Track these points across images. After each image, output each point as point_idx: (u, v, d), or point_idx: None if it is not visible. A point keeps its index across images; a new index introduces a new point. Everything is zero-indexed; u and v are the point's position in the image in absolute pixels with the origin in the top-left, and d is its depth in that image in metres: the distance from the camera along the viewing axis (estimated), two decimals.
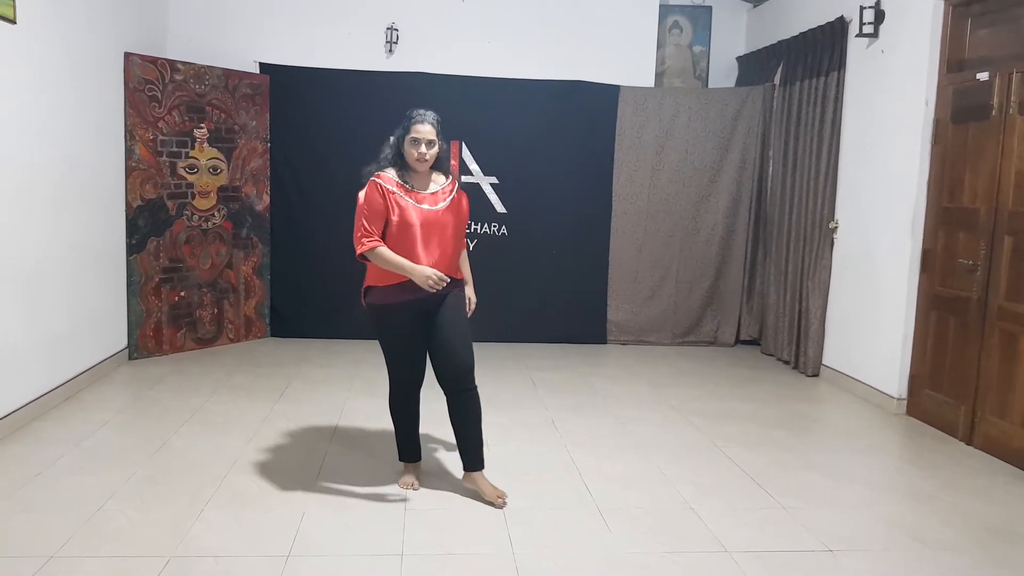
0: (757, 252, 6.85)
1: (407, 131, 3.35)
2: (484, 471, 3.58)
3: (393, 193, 3.32)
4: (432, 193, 3.41)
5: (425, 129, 3.32)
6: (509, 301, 6.65)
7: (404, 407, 3.64)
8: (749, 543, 3.19)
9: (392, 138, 3.44)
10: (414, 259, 3.29)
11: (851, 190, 5.62)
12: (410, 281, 3.27)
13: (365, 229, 3.29)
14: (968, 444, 4.49)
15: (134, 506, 3.32)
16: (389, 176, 3.36)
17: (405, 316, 3.40)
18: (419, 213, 3.33)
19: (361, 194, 3.35)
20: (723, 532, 3.28)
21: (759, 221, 6.81)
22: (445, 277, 3.25)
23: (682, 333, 6.90)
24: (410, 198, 3.34)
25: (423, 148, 3.32)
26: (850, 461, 4.22)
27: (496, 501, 3.45)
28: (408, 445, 3.69)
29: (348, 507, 3.40)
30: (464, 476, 3.61)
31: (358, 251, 3.31)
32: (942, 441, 4.57)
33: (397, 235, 3.31)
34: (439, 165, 3.46)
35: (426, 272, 3.22)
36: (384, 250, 3.28)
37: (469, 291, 3.69)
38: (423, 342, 3.48)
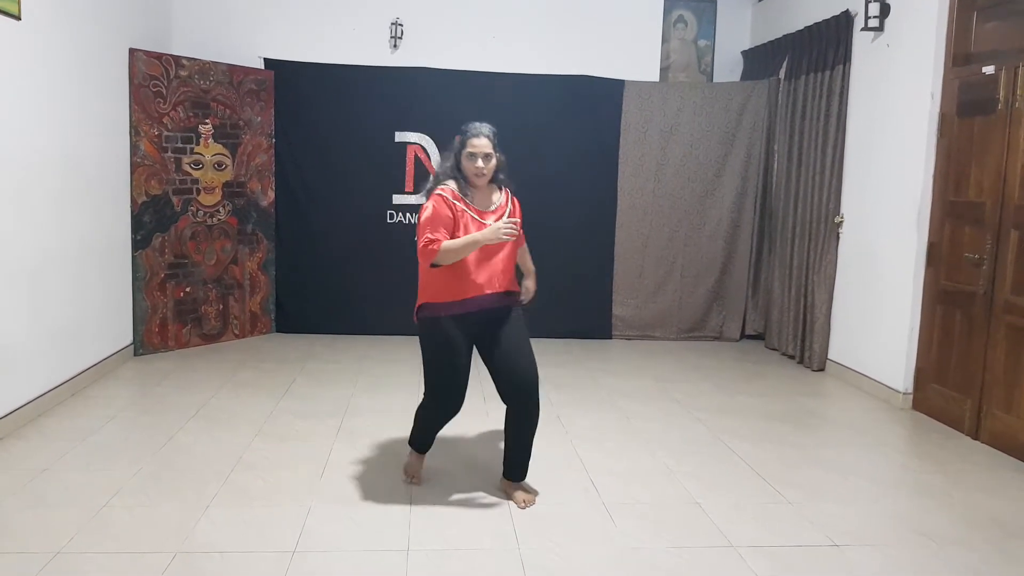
0: (762, 247, 6.83)
1: (464, 145, 3.29)
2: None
3: (459, 207, 3.24)
4: (492, 211, 3.35)
5: (482, 143, 3.26)
6: None
7: (437, 419, 3.56)
8: (754, 538, 3.19)
9: (450, 153, 3.38)
10: (466, 275, 3.25)
11: (856, 184, 5.60)
12: (466, 300, 3.26)
13: (429, 237, 3.14)
14: (974, 439, 4.48)
15: (140, 502, 3.33)
16: (452, 189, 3.28)
17: (460, 328, 3.31)
18: (480, 228, 3.24)
19: (427, 206, 3.24)
20: (728, 527, 3.28)
21: (764, 216, 6.80)
22: (512, 224, 3.13)
23: (687, 328, 6.89)
24: (474, 214, 3.27)
25: (480, 163, 3.26)
26: (856, 456, 4.21)
27: (520, 504, 3.42)
28: (425, 439, 3.65)
29: (353, 503, 3.40)
30: (504, 482, 3.56)
31: (427, 260, 3.17)
32: (948, 436, 4.56)
33: None
34: (495, 177, 3.39)
35: (496, 227, 3.12)
36: (447, 243, 3.14)
37: (530, 282, 3.70)
38: (469, 358, 3.40)
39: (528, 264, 3.71)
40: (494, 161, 3.29)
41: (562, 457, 4.03)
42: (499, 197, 3.42)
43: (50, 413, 4.38)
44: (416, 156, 6.49)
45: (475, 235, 3.16)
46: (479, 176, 3.27)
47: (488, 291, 3.32)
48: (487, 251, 3.28)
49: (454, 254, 3.16)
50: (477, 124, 3.30)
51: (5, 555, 2.86)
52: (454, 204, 3.23)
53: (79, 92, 4.77)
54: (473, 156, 3.25)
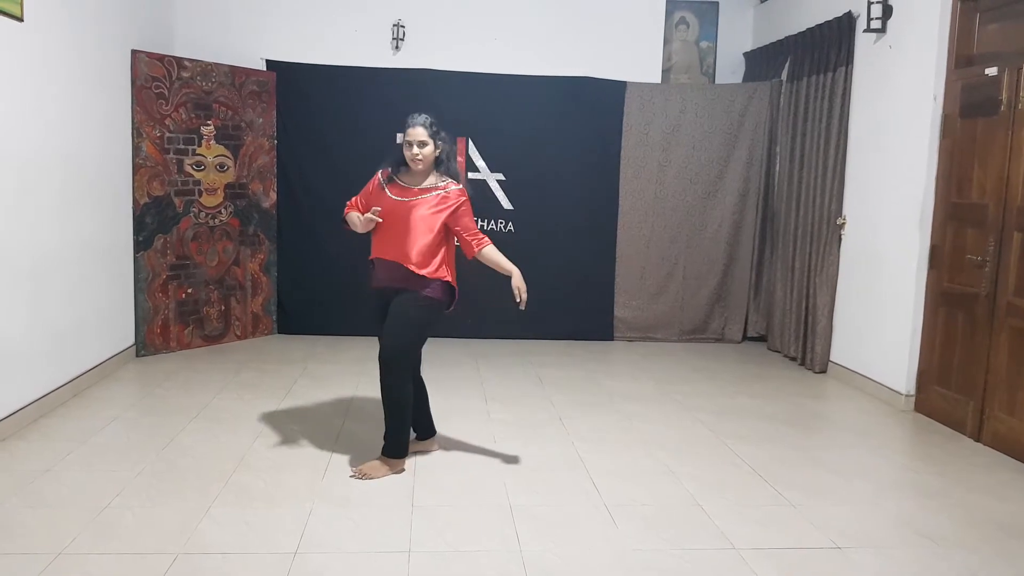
0: (764, 248, 6.83)
1: (404, 134, 3.64)
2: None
3: (376, 185, 3.74)
4: (415, 192, 3.66)
5: (417, 132, 3.61)
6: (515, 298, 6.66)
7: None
8: (757, 540, 3.18)
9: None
10: (375, 244, 3.71)
11: (859, 186, 5.60)
12: (375, 262, 3.74)
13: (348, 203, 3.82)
14: (977, 441, 4.47)
15: (142, 503, 3.33)
16: (387, 170, 3.76)
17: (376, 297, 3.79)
18: (388, 203, 3.64)
19: None
20: (730, 529, 3.27)
21: (766, 217, 6.80)
22: (371, 213, 3.59)
23: (689, 330, 6.89)
24: (391, 190, 3.69)
25: (415, 149, 3.61)
26: (858, 457, 4.21)
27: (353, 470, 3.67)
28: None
29: (355, 504, 3.40)
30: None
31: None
32: (951, 438, 4.56)
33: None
34: (441, 166, 3.71)
35: (366, 216, 3.66)
36: (352, 215, 3.75)
37: (515, 280, 3.77)
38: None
39: (504, 264, 3.76)
40: (429, 148, 3.62)
41: (563, 458, 4.03)
42: (435, 181, 3.69)
43: (52, 414, 4.38)
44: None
45: (356, 214, 3.73)
46: (414, 161, 3.62)
47: (385, 257, 3.66)
48: (392, 225, 3.63)
49: (351, 223, 3.75)
50: (416, 115, 3.64)
51: (7, 556, 2.86)
52: (378, 181, 3.74)
53: (81, 93, 4.78)
54: (409, 144, 3.61)
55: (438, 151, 3.67)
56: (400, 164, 3.71)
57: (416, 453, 3.93)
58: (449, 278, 3.69)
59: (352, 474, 3.63)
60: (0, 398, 4.01)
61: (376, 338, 3.68)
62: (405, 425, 3.71)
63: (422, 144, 3.60)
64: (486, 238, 3.76)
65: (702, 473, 3.88)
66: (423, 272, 3.60)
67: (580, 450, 4.14)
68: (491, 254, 3.73)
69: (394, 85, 6.39)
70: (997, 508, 3.58)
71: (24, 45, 4.15)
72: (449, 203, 3.65)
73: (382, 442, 3.76)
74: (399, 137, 3.85)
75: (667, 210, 6.73)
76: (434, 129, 3.63)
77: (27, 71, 4.19)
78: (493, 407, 4.82)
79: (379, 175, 3.76)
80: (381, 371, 3.61)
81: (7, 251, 4.05)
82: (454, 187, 3.68)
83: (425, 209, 3.61)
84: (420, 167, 3.64)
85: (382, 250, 3.68)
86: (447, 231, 3.68)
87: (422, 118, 3.63)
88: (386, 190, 3.69)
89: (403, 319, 3.60)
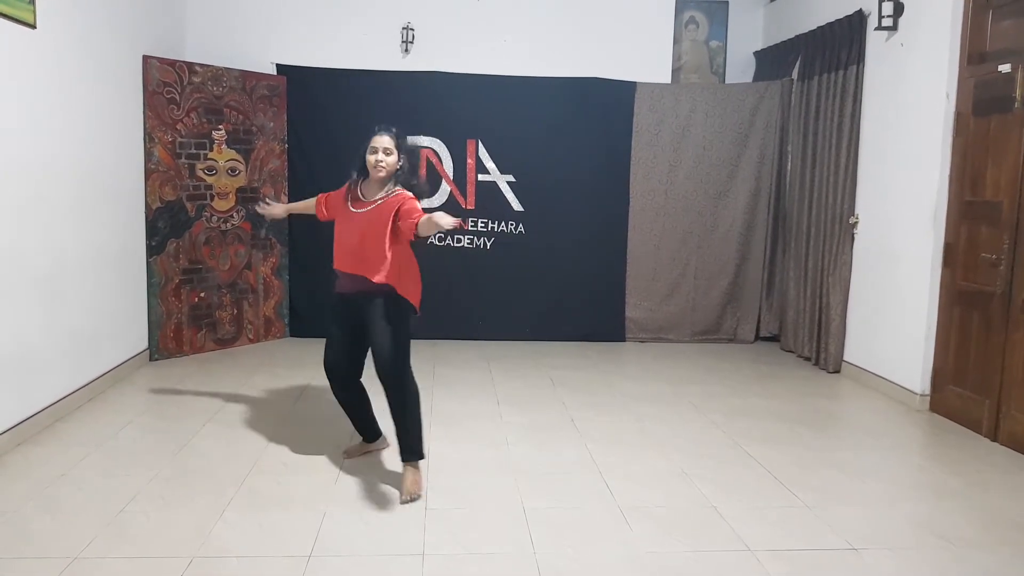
0: (776, 248, 6.80)
1: (369, 142, 3.66)
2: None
3: (343, 195, 3.79)
4: (370, 200, 3.66)
5: (383, 140, 3.63)
6: (527, 299, 6.67)
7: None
8: (772, 542, 3.17)
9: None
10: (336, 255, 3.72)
11: (871, 185, 5.57)
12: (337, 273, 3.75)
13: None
14: (993, 440, 4.44)
15: (156, 507, 3.34)
16: (353, 180, 3.78)
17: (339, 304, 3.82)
18: (346, 214, 3.70)
19: None
20: (745, 531, 3.26)
21: (778, 217, 6.77)
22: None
23: (701, 330, 6.86)
24: (350, 202, 3.72)
25: (380, 155, 3.61)
26: (873, 458, 4.18)
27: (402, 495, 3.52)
28: None
29: (368, 507, 3.40)
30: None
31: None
32: (966, 437, 4.52)
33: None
34: (399, 178, 3.67)
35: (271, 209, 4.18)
36: (306, 202, 4.08)
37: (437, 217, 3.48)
38: (343, 333, 3.83)
39: (434, 219, 3.40)
40: (393, 158, 3.63)
41: (576, 460, 4.02)
42: (384, 194, 3.64)
43: (67, 418, 4.40)
44: (428, 160, 6.50)
45: (299, 204, 4.18)
46: (376, 167, 3.62)
47: (343, 269, 3.67)
48: (345, 236, 3.68)
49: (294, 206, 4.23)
50: (385, 125, 3.69)
51: (23, 560, 2.87)
52: (346, 191, 3.79)
53: (94, 99, 4.80)
54: (374, 149, 3.62)
55: (399, 163, 3.65)
56: (362, 173, 3.72)
57: (365, 454, 4.00)
58: (409, 281, 3.65)
59: (404, 500, 3.46)
60: (16, 402, 4.03)
61: (324, 341, 3.79)
62: (420, 423, 3.69)
63: (387, 152, 3.62)
64: (422, 213, 3.55)
65: (716, 475, 3.86)
66: (384, 281, 3.54)
67: (593, 452, 4.13)
68: (424, 223, 3.48)
69: (404, 88, 6.40)
70: (1014, 508, 3.55)
71: (37, 52, 4.17)
72: (393, 206, 3.56)
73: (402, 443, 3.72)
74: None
75: (678, 210, 6.72)
76: (399, 141, 3.67)
77: (40, 78, 4.22)
78: (505, 409, 4.82)
79: (346, 185, 3.81)
80: (387, 387, 3.59)
81: (24, 257, 4.07)
82: (401, 193, 3.61)
83: (375, 218, 3.58)
84: (381, 175, 3.62)
85: (342, 262, 3.68)
86: (398, 233, 3.57)
87: (390, 129, 3.68)
88: (347, 202, 3.73)
89: (384, 332, 3.57)
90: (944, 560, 3.06)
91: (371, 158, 3.62)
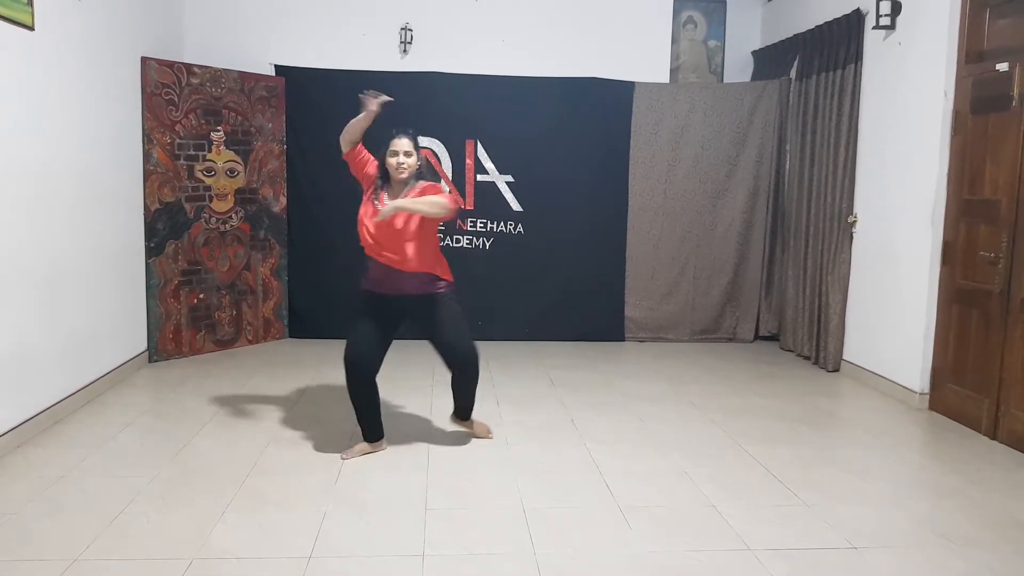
0: (775, 247, 6.81)
1: (389, 145, 3.80)
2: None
3: (371, 193, 3.89)
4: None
5: (403, 143, 3.77)
6: (526, 299, 6.67)
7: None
8: (772, 541, 3.17)
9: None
10: (375, 255, 3.85)
11: (870, 183, 5.57)
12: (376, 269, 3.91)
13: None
14: (992, 438, 4.45)
15: (156, 508, 3.34)
16: (377, 185, 3.90)
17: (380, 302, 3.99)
18: (371, 210, 3.80)
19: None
20: (745, 530, 3.26)
21: (777, 216, 6.77)
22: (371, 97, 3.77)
23: (701, 330, 6.87)
24: (377, 199, 3.83)
25: (401, 158, 3.76)
26: (873, 456, 4.19)
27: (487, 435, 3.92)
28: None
29: (369, 508, 3.40)
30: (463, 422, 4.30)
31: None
32: (965, 436, 4.53)
33: None
34: (422, 176, 3.87)
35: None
36: (363, 128, 3.88)
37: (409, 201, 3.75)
38: (383, 329, 4.05)
39: (425, 201, 3.72)
40: (413, 159, 3.80)
41: (577, 460, 4.02)
42: (407, 191, 3.81)
43: (66, 420, 4.40)
44: (427, 160, 6.50)
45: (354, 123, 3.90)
46: (399, 169, 3.77)
47: (391, 265, 3.81)
48: (383, 234, 3.77)
49: (348, 130, 3.92)
50: (403, 128, 3.83)
51: (23, 563, 2.87)
52: (371, 192, 3.90)
53: (92, 101, 4.80)
54: (395, 152, 3.77)
55: (419, 164, 3.85)
56: (384, 179, 3.87)
57: (364, 455, 4.03)
58: (445, 264, 4.00)
59: (490, 437, 4.21)
60: (16, 404, 4.03)
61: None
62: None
63: (408, 154, 3.77)
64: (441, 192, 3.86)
65: (716, 474, 3.86)
66: (431, 271, 3.86)
67: (593, 452, 4.14)
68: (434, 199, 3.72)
69: (402, 88, 6.37)
70: (1014, 506, 3.55)
71: (35, 53, 4.17)
72: (416, 192, 3.79)
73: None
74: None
75: (677, 210, 6.72)
76: (416, 143, 3.84)
77: (39, 79, 4.22)
78: (505, 409, 4.82)
79: (372, 189, 3.93)
80: (467, 372, 4.00)
81: (23, 258, 4.07)
82: (431, 185, 3.86)
83: (400, 215, 3.75)
84: (404, 175, 3.79)
85: (383, 261, 3.82)
86: (425, 224, 3.82)
87: (408, 131, 3.82)
88: (375, 202, 3.83)
89: (457, 322, 3.94)
90: (944, 558, 3.07)
91: (392, 160, 3.78)
